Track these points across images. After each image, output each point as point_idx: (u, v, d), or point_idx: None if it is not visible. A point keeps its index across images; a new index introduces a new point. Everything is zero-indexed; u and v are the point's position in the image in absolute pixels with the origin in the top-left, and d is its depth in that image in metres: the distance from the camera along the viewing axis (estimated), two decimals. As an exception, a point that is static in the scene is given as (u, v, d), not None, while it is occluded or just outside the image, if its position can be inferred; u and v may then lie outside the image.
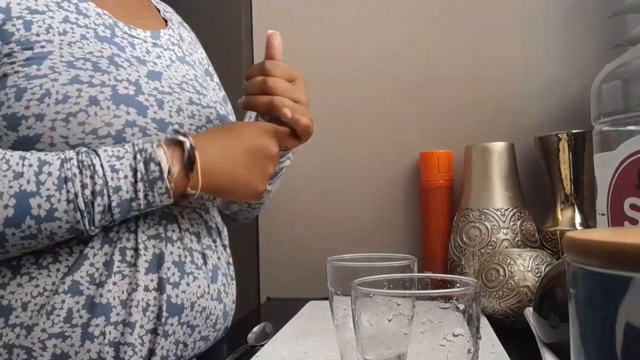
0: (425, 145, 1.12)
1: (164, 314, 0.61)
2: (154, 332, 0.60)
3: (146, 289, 0.60)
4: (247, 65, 1.20)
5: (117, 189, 0.56)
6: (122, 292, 0.59)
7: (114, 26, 0.68)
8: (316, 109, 1.21)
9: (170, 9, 0.88)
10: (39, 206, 0.54)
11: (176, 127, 0.65)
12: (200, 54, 0.88)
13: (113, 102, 0.60)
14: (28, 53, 0.59)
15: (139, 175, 0.57)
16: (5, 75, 0.58)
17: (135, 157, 0.57)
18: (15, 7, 0.61)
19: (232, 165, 0.64)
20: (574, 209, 0.97)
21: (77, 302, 0.57)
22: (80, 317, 0.57)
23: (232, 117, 0.87)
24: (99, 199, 0.56)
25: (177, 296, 0.62)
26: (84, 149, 0.57)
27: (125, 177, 0.57)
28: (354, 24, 1.19)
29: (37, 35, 0.60)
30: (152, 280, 0.61)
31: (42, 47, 0.60)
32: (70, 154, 0.56)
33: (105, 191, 0.56)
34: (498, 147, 0.99)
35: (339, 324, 0.55)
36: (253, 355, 0.64)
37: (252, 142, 0.66)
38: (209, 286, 0.67)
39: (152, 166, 0.58)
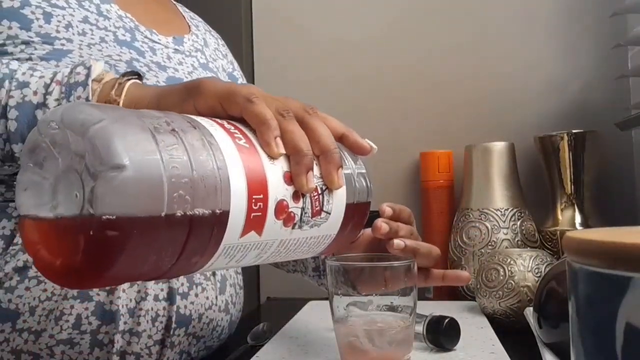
0: (425, 145, 1.12)
1: (173, 325, 0.60)
2: (161, 342, 0.59)
3: (156, 298, 0.59)
4: (246, 62, 1.20)
5: (23, 85, 0.47)
6: (131, 300, 0.57)
7: (134, 30, 0.67)
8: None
9: (197, 17, 0.86)
10: None
11: None
12: (224, 59, 0.85)
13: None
14: (48, 47, 0.57)
15: (58, 77, 0.47)
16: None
17: (70, 66, 0.48)
18: None
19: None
20: (574, 209, 0.97)
21: (87, 308, 0.55)
22: (90, 323, 0.55)
23: None
24: None
25: (185, 307, 0.61)
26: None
27: (42, 77, 0.47)
28: (354, 24, 1.19)
29: (57, 31, 0.59)
30: (162, 290, 0.59)
31: (62, 45, 0.58)
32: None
33: (6, 83, 0.47)
34: (498, 147, 0.99)
35: (338, 324, 0.55)
36: (253, 355, 0.63)
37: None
38: (216, 297, 0.65)
39: (80, 69, 0.47)
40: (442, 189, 1.08)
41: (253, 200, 0.35)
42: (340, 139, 0.46)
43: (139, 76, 0.48)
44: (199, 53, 0.77)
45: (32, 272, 0.56)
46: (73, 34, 0.60)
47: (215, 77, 0.62)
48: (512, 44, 1.12)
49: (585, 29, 1.09)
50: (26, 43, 0.57)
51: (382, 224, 0.59)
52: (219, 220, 0.33)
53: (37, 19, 0.58)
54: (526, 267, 0.73)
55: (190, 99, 0.42)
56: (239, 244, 0.36)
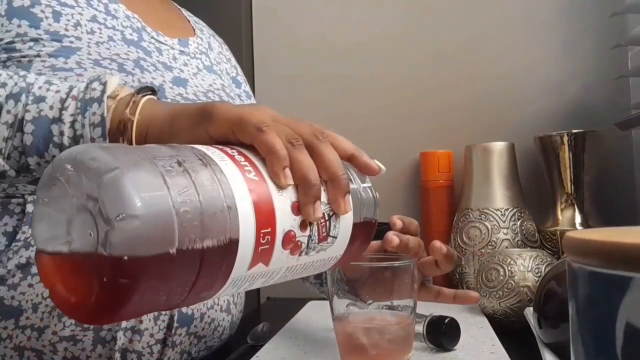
0: (425, 145, 1.12)
1: (175, 324, 0.60)
2: (163, 342, 0.59)
3: None
4: (246, 62, 1.20)
5: (40, 99, 0.46)
6: None
7: (141, 30, 0.68)
8: (317, 109, 1.21)
9: (201, 22, 0.88)
10: None
11: None
12: (227, 63, 0.86)
13: None
14: (57, 45, 0.58)
15: (74, 92, 0.46)
16: (30, 61, 0.57)
17: (85, 81, 0.47)
18: None
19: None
20: (574, 209, 0.97)
21: None
22: None
23: None
24: (11, 102, 0.46)
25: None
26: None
27: (58, 91, 0.47)
28: (354, 24, 1.19)
29: (66, 29, 0.60)
30: None
31: (71, 42, 0.59)
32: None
33: (23, 97, 0.47)
34: (498, 147, 0.99)
35: (338, 324, 0.55)
36: (253, 355, 0.64)
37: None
38: (218, 297, 0.66)
39: (95, 84, 0.46)
40: (442, 189, 1.08)
41: (261, 235, 0.36)
42: (349, 159, 0.46)
43: (153, 91, 0.48)
44: (204, 56, 0.78)
45: (35, 269, 0.56)
46: (82, 32, 0.60)
47: (227, 101, 0.59)
48: (512, 44, 1.12)
49: (585, 29, 1.09)
50: (35, 40, 0.58)
51: (393, 237, 0.60)
52: (228, 258, 0.34)
53: (47, 17, 0.59)
54: (526, 267, 0.73)
55: (203, 125, 0.42)
56: (247, 275, 0.37)
